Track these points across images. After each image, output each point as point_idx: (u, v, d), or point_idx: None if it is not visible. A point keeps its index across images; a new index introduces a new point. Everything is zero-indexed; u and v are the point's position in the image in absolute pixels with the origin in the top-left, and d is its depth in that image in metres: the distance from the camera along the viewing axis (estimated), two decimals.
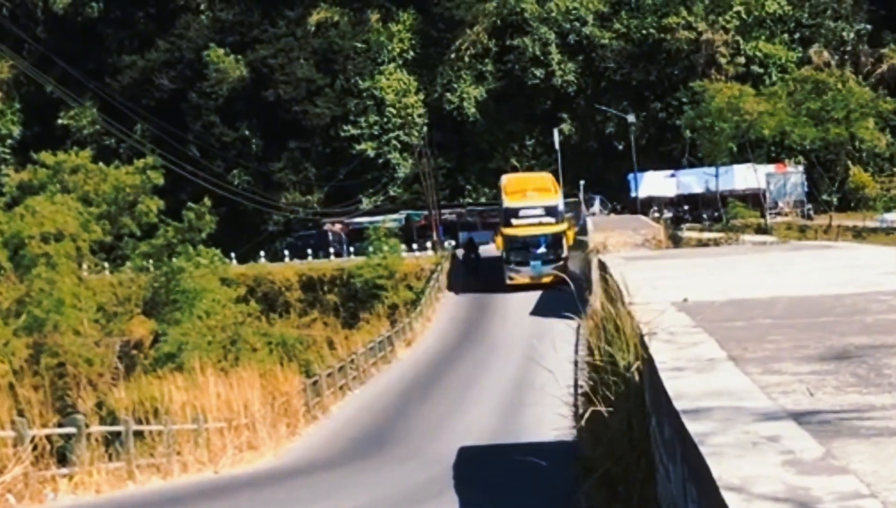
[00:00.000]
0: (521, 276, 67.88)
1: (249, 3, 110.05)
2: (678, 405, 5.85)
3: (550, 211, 69.22)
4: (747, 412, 5.58)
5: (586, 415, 10.70)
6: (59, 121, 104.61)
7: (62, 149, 65.63)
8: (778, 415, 5.58)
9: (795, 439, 5.01)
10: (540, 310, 56.52)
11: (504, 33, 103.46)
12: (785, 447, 4.86)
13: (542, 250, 68.41)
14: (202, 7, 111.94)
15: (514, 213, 69.33)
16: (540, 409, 24.06)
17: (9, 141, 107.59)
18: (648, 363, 7.86)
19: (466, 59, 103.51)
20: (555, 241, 68.45)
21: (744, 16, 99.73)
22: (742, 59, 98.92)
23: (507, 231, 68.92)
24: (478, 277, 71.90)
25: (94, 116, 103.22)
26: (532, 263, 67.89)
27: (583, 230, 70.47)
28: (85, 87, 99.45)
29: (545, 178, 77.55)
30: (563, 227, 69.08)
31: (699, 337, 8.49)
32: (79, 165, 57.06)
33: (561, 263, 65.19)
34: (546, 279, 63.47)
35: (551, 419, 18.75)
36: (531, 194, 71.25)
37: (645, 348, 8.39)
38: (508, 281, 67.89)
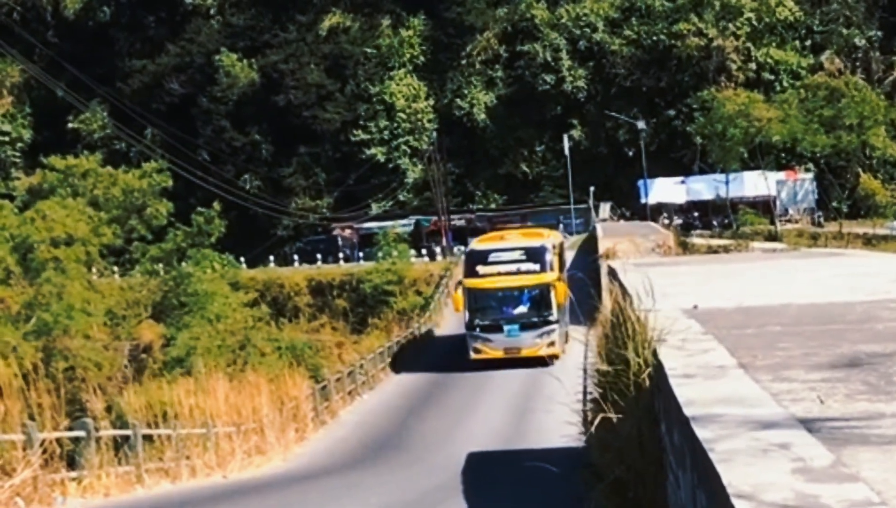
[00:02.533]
0: (492, 348, 46.47)
1: (261, 7, 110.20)
2: (688, 411, 5.85)
3: (534, 255, 47.64)
4: (757, 420, 5.58)
5: (596, 421, 10.68)
6: (70, 125, 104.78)
7: (72, 153, 65.69)
8: (788, 422, 5.57)
9: (806, 446, 5.00)
10: None
11: (514, 39, 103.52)
12: (795, 454, 4.85)
13: (520, 308, 47.21)
14: (213, 12, 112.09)
15: (482, 257, 48.20)
16: (549, 415, 24.03)
17: (19, 145, 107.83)
18: (658, 369, 7.86)
19: (477, 64, 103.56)
20: (539, 297, 46.83)
21: (755, 22, 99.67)
22: (753, 66, 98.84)
23: (471, 283, 47.00)
24: None
25: (104, 120, 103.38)
26: (507, 327, 46.61)
27: (592, 237, 69.35)
28: (95, 91, 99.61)
29: (538, 231, 59.52)
30: (550, 277, 46.79)
31: (709, 344, 8.49)
32: (89, 169, 57.15)
33: (552, 330, 46.19)
34: (529, 352, 45.39)
35: (560, 425, 18.75)
36: (510, 236, 54.36)
37: (655, 354, 8.39)
38: (473, 356, 46.71)
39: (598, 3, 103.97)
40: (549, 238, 49.70)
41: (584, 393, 17.22)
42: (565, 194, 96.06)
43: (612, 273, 19.00)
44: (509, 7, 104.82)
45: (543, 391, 23.82)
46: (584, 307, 16.84)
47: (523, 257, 46.83)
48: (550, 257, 47.11)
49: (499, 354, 45.84)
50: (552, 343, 45.62)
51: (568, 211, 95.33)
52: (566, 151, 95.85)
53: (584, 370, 20.61)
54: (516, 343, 46.02)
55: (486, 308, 47.04)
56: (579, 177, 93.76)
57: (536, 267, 46.34)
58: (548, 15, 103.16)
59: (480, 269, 46.72)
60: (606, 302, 15.04)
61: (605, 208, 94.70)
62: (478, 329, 46.33)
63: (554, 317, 45.81)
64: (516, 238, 51.75)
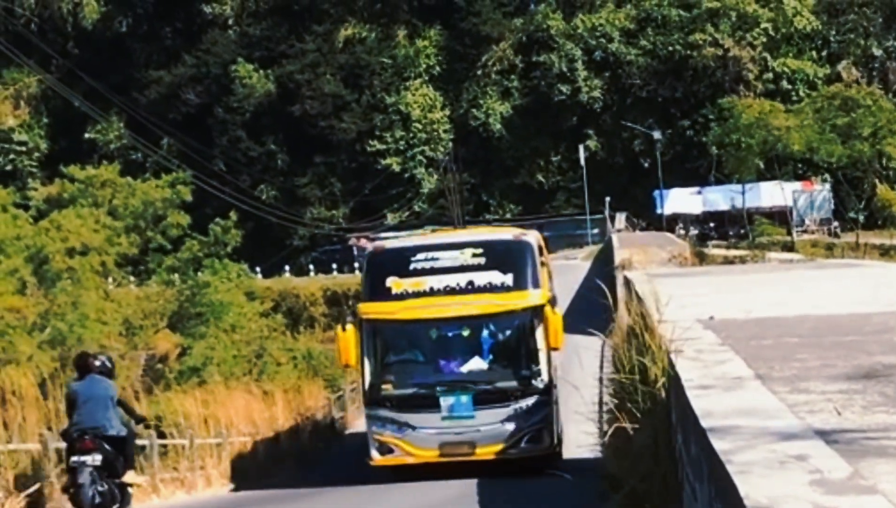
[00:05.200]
0: (415, 444, 23.77)
1: (277, 18, 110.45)
2: (705, 423, 5.83)
3: (502, 257, 24.64)
4: (774, 431, 5.56)
5: (611, 432, 10.67)
6: (86, 135, 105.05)
7: (89, 163, 65.77)
8: (805, 434, 5.55)
9: (823, 458, 4.98)
10: (566, 326, 56.23)
11: (530, 50, 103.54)
12: (812, 466, 4.83)
13: (473, 362, 24.32)
14: (230, 22, 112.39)
15: (398, 262, 24.84)
16: (566, 426, 24.02)
17: (35, 155, 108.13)
18: (675, 380, 7.84)
19: (492, 75, 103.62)
20: (515, 338, 24.78)
21: (771, 32, 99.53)
22: (770, 76, 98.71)
23: (374, 311, 24.27)
24: None
25: (121, 130, 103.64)
26: (445, 399, 23.72)
27: (608, 247, 69.06)
28: (112, 101, 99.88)
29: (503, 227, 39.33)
30: (535, 299, 23.98)
31: (726, 355, 8.46)
32: (107, 179, 57.24)
33: (539, 407, 23.69)
34: (490, 452, 23.49)
35: (576, 435, 18.73)
36: (457, 232, 37.95)
37: (671, 365, 8.36)
38: (376, 458, 24.03)
39: (614, 14, 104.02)
40: (526, 235, 26.14)
41: (601, 403, 17.16)
42: (581, 205, 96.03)
43: (628, 284, 18.99)
44: (525, 17, 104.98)
45: (561, 400, 23.73)
46: (600, 318, 16.79)
47: (480, 262, 24.28)
48: (533, 262, 24.50)
49: (429, 456, 23.48)
50: (538, 436, 23.57)
51: (584, 221, 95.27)
52: (582, 162, 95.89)
53: (601, 380, 20.51)
54: (465, 434, 23.45)
55: (404, 363, 24.81)
56: (595, 187, 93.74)
57: (507, 279, 23.98)
58: (563, 25, 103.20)
59: (395, 284, 24.20)
60: (622, 312, 15.03)
61: (620, 219, 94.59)
62: (387, 405, 23.77)
63: (543, 379, 23.58)
64: (467, 233, 31.97)
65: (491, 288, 23.74)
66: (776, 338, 9.72)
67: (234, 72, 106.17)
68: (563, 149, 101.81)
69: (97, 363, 17.07)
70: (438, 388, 23.59)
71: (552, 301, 23.92)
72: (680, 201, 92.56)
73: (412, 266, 24.13)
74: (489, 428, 23.24)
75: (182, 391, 33.75)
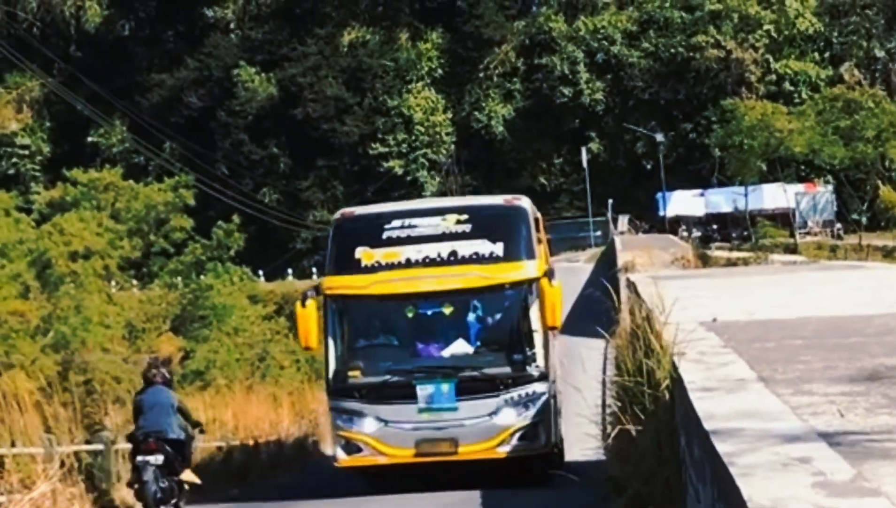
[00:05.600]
0: (386, 441, 20.50)
1: (279, 21, 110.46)
2: (708, 425, 5.83)
3: (493, 224, 21.65)
4: (777, 434, 5.56)
5: (614, 434, 10.67)
6: (89, 139, 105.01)
7: (91, 166, 65.78)
8: (808, 436, 5.55)
9: (826, 460, 4.98)
10: (568, 328, 56.28)
11: (532, 52, 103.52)
12: (816, 468, 4.83)
13: (457, 345, 20.95)
14: (232, 26, 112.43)
15: (370, 230, 21.46)
16: (568, 428, 24.00)
17: (38, 158, 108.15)
18: (678, 382, 7.85)
19: (495, 77, 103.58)
20: (506, 316, 21.58)
21: (773, 34, 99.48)
22: (772, 78, 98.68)
23: (340, 285, 21.15)
24: None
25: (124, 133, 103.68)
26: (423, 388, 20.33)
27: (611, 249, 68.98)
28: (114, 105, 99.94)
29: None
30: (530, 271, 20.82)
31: (729, 357, 8.46)
32: (110, 182, 57.27)
33: (534, 398, 20.45)
34: (475, 451, 20.31)
35: (579, 437, 18.73)
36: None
37: (674, 367, 8.37)
38: (341, 458, 20.98)
39: (616, 16, 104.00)
40: (519, 199, 23.20)
41: (604, 405, 17.18)
42: (583, 207, 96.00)
43: (631, 286, 19.00)
44: (527, 20, 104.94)
45: (563, 402, 23.60)
46: (603, 320, 16.77)
47: (466, 229, 21.16)
48: (527, 229, 21.69)
49: (404, 455, 20.49)
50: (532, 432, 20.56)
51: (586, 224, 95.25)
52: (584, 164, 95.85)
53: (603, 383, 20.52)
54: (446, 429, 20.40)
55: (375, 347, 21.83)
56: (598, 189, 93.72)
57: (497, 249, 20.98)
58: (566, 28, 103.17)
59: (365, 255, 21.05)
60: (625, 315, 15.05)
61: (623, 221, 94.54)
62: (354, 396, 20.69)
63: (539, 365, 20.58)
64: (451, 199, 27.63)
65: (478, 259, 20.58)
66: (779, 340, 9.72)
67: (237, 75, 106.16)
68: (566, 151, 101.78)
69: (159, 376, 19.64)
70: (415, 375, 20.26)
71: (549, 274, 20.45)
72: (682, 203, 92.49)
73: (386, 234, 20.75)
74: (475, 422, 20.01)
75: (186, 394, 33.80)
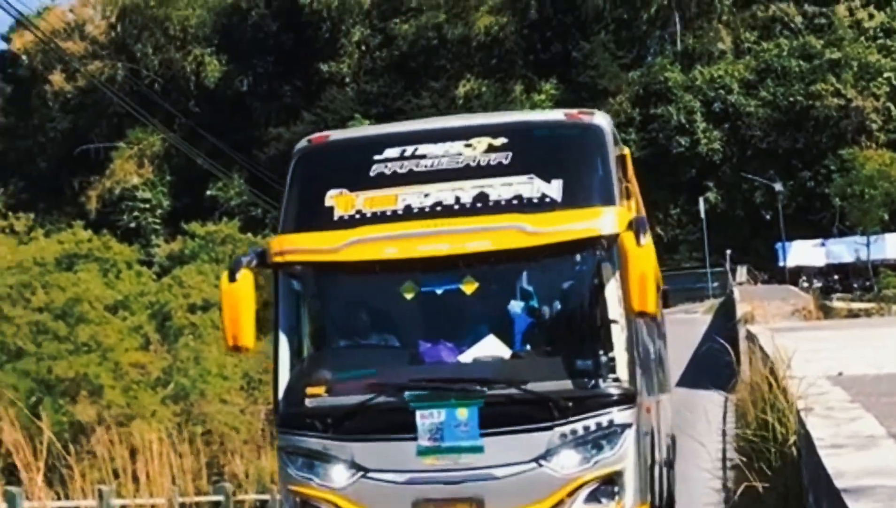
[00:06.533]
0: (361, 503, 11.68)
1: (394, 74, 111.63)
2: (839, 483, 5.64)
3: (536, 154, 12.36)
4: None
5: (740, 490, 10.40)
6: (208, 192, 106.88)
7: (210, 219, 66.98)
8: None
9: None
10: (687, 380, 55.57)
11: (648, 102, 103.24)
12: None
13: (483, 348, 11.92)
14: (347, 80, 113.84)
15: (348, 167, 12.69)
16: (686, 483, 23.58)
17: (159, 212, 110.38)
18: (805, 438, 7.63)
19: None
20: (563, 295, 12.31)
21: (894, 82, 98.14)
22: (893, 126, 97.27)
23: (298, 248, 12.26)
24: None
25: (241, 187, 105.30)
26: (426, 418, 11.45)
27: (729, 301, 67.95)
28: (233, 159, 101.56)
29: None
30: (600, 222, 11.70)
31: (857, 412, 8.23)
32: (227, 234, 58.15)
33: (609, 436, 11.41)
34: None
35: (702, 490, 18.36)
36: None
37: (801, 423, 8.14)
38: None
39: (733, 65, 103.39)
40: (591, 114, 13.27)
41: (724, 459, 16.83)
42: (701, 258, 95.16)
43: (752, 338, 18.69)
44: (642, 70, 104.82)
45: (681, 453, 22.86)
46: (723, 373, 16.46)
47: (502, 160, 12.31)
48: (603, 159, 12.59)
49: None
50: (608, 488, 11.53)
51: (704, 275, 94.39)
52: (702, 214, 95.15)
53: (723, 434, 20.05)
54: (463, 486, 11.63)
55: (352, 348, 12.87)
56: (715, 240, 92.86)
57: (552, 190, 12.06)
58: (682, 77, 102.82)
59: (340, 201, 12.41)
60: (745, 367, 14.78)
61: (742, 272, 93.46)
62: (316, 427, 11.89)
63: (619, 377, 11.64)
64: (483, 116, 23.71)
65: (522, 205, 11.98)
66: None
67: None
68: (683, 201, 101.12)
69: None
70: (415, 394, 11.67)
71: (637, 226, 11.64)
72: (802, 253, 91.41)
73: (376, 169, 12.47)
74: (512, 473, 11.53)
75: None
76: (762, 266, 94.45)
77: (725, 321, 53.35)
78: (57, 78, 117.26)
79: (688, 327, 55.32)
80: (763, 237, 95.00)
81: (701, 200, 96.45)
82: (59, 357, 36.66)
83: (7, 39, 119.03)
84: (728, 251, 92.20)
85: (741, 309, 51.35)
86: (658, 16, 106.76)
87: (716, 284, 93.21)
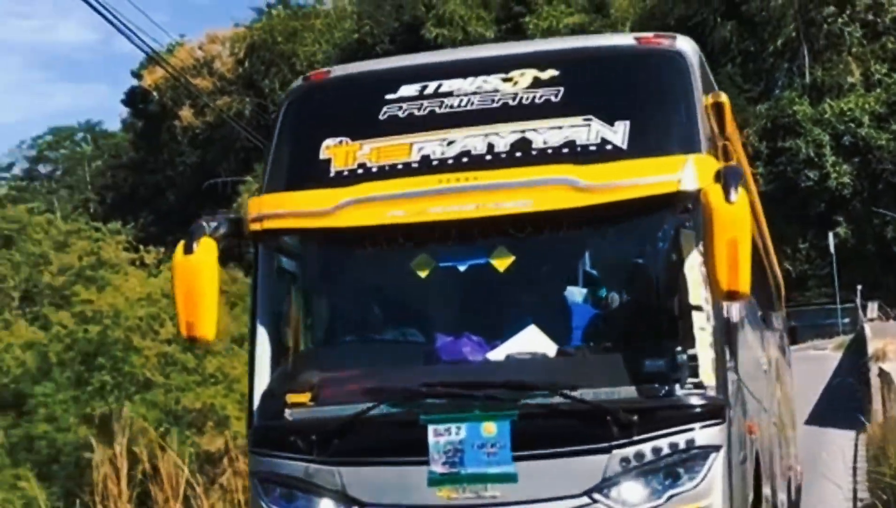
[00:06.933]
0: None
1: None
2: None
3: (596, 89, 9.07)
4: None
5: None
6: None
7: None
8: None
9: None
10: (816, 417, 54.50)
11: (776, 135, 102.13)
12: None
13: (519, 342, 8.70)
14: None
15: (350, 109, 9.51)
16: None
17: None
18: None
19: None
20: (628, 272, 9.17)
21: None
22: None
23: (284, 211, 9.04)
24: None
25: None
26: (440, 435, 8.29)
27: (860, 337, 66.51)
28: None
29: None
30: (679, 175, 8.30)
31: None
32: None
33: (690, 459, 8.14)
34: None
35: None
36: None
37: None
38: None
39: (864, 98, 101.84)
40: (672, 39, 9.23)
41: (855, 499, 16.40)
42: (831, 293, 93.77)
43: (884, 375, 18.24)
44: (770, 103, 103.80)
45: (810, 491, 22.19)
46: (853, 411, 16.05)
47: (551, 96, 8.97)
48: (686, 96, 8.94)
49: None
50: None
51: (833, 311, 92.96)
52: (831, 249, 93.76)
53: (854, 472, 19.47)
54: None
55: (347, 345, 9.62)
56: (845, 275, 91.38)
57: (615, 135, 8.70)
58: (810, 110, 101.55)
59: (338, 153, 9.15)
60: (877, 406, 14.41)
61: (873, 308, 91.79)
62: (300, 447, 8.69)
63: (706, 381, 8.25)
64: (527, 43, 12.46)
65: (573, 154, 8.76)
66: None
67: None
68: (812, 236, 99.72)
69: None
70: (427, 403, 8.59)
71: (727, 177, 8.16)
72: None
73: (386, 112, 9.37)
74: None
75: None
76: (894, 302, 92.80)
77: (856, 358, 52.22)
78: (186, 113, 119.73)
79: (817, 363, 54.37)
80: (895, 273, 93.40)
81: (830, 234, 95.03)
82: (186, 389, 37.13)
83: (139, 76, 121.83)
84: (858, 287, 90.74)
85: (872, 346, 50.24)
86: (786, 48, 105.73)
87: (846, 320, 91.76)
